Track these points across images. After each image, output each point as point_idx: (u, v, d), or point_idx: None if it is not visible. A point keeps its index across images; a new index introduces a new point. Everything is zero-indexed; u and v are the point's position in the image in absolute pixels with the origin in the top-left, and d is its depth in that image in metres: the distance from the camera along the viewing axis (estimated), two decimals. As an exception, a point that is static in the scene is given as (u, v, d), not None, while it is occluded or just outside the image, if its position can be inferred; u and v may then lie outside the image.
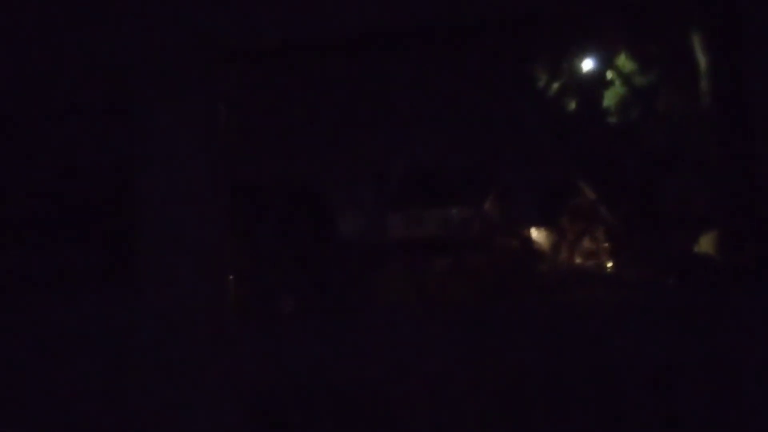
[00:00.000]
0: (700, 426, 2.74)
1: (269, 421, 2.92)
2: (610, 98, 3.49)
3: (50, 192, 3.35)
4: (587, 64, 3.54)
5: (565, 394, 2.81)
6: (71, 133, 3.33)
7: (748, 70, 3.00)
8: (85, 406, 3.01)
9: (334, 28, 3.10)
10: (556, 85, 3.52)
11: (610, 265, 3.29)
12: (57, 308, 3.13)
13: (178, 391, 2.95)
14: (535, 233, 3.42)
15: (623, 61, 3.46)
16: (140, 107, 3.13)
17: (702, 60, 3.25)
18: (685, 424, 2.76)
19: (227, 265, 3.10)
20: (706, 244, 3.28)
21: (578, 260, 3.28)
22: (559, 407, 2.80)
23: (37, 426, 2.94)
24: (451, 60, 3.37)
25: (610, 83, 3.49)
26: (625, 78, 3.47)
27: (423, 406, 2.87)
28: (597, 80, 3.50)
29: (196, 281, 3.02)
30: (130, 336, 3.00)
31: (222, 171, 3.12)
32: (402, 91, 3.36)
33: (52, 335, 3.06)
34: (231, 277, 3.10)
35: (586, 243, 3.26)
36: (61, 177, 3.35)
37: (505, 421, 2.81)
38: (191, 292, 3.00)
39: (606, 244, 3.25)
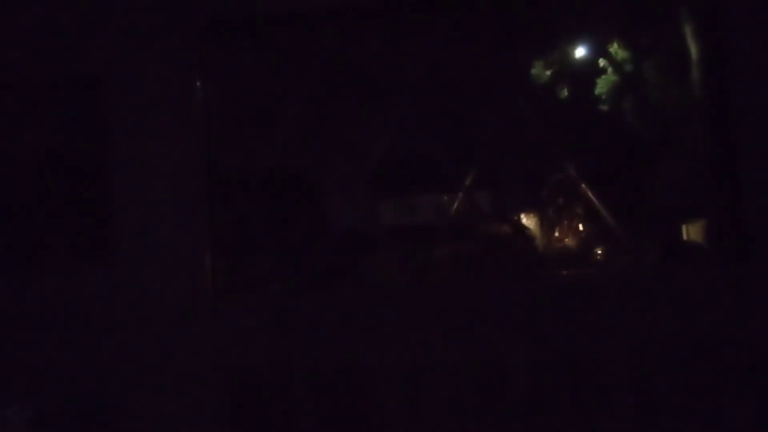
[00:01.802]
0: (678, 407, 2.76)
1: (249, 400, 2.93)
2: (601, 86, 3.49)
3: (26, 168, 3.30)
4: (580, 52, 3.54)
5: (548, 378, 2.82)
6: (46, 108, 3.28)
7: (733, 59, 3.00)
8: (62, 383, 3.00)
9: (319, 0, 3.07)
10: (548, 72, 3.51)
11: (598, 251, 3.28)
12: (35, 285, 3.09)
13: (157, 369, 2.95)
14: (524, 218, 3.41)
15: (616, 48, 3.45)
16: (115, 78, 3.08)
17: (693, 50, 3.24)
18: (663, 405, 2.77)
19: (205, 243, 3.06)
20: (693, 232, 3.29)
21: (563, 242, 3.27)
22: (543, 389, 2.81)
23: (14, 400, 2.94)
24: (442, 42, 3.34)
25: (603, 71, 3.48)
26: (618, 66, 3.46)
27: (406, 386, 2.87)
28: (589, 68, 3.49)
29: (173, 258, 3.00)
30: (107, 313, 2.99)
31: (200, 147, 3.07)
32: (390, 71, 3.34)
33: (30, 312, 3.04)
34: (210, 256, 3.08)
35: (568, 221, 3.25)
36: (36, 153, 3.30)
37: (489, 399, 2.83)
38: (169, 269, 2.99)
39: (586, 224, 3.24)
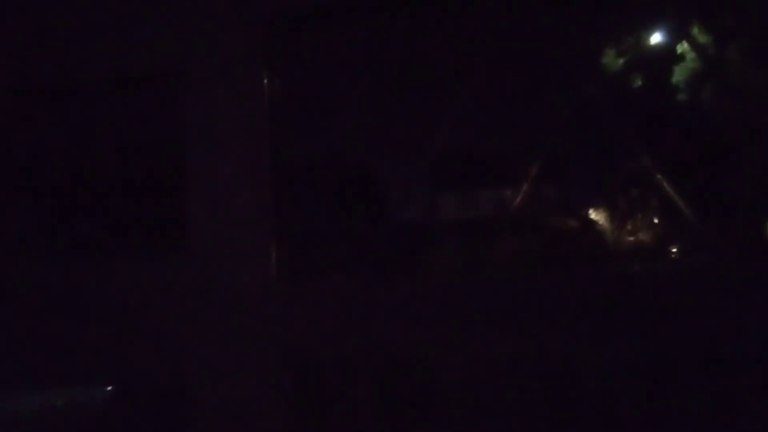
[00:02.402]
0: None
1: (312, 384, 3.00)
2: (680, 74, 3.30)
3: (106, 161, 3.52)
4: (656, 38, 3.36)
5: (618, 376, 2.74)
6: (122, 104, 3.49)
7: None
8: (138, 363, 3.19)
9: None
10: (620, 60, 3.36)
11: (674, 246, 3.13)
12: (115, 271, 3.30)
13: (224, 352, 3.08)
14: (593, 212, 3.30)
15: (696, 33, 3.26)
16: (186, 75, 3.22)
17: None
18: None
19: (271, 233, 3.15)
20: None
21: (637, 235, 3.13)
22: (612, 388, 2.74)
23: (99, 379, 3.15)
24: (508, 30, 3.27)
25: (681, 58, 3.29)
26: (699, 51, 3.26)
27: (464, 378, 2.86)
28: (666, 55, 3.31)
29: (241, 248, 3.12)
30: (179, 298, 3.15)
31: (266, 140, 3.17)
32: (454, 61, 3.29)
33: (108, 296, 3.25)
34: (274, 245, 3.16)
35: (642, 214, 3.11)
36: (115, 147, 3.52)
37: (552, 396, 2.77)
38: (237, 257, 3.11)
39: (664, 219, 3.08)
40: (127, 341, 3.20)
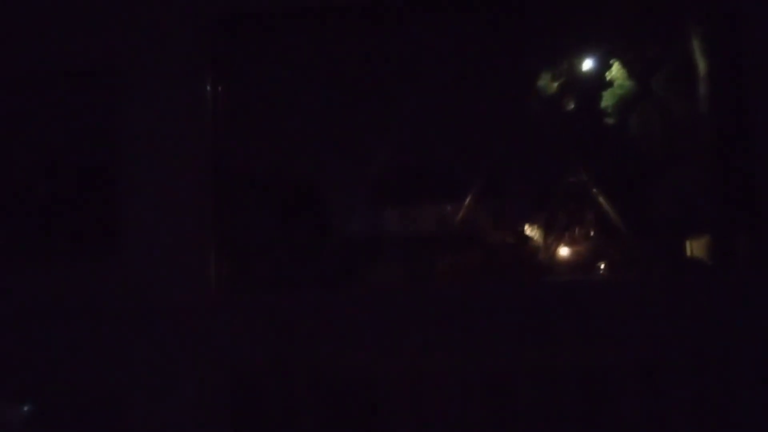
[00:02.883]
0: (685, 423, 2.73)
1: (249, 400, 2.89)
2: (608, 98, 3.50)
3: (34, 161, 3.31)
4: (587, 64, 3.55)
5: (551, 385, 2.79)
6: (54, 100, 3.29)
7: (747, 74, 3.01)
8: (63, 379, 2.97)
9: None
10: (555, 83, 3.53)
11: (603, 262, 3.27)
12: (38, 279, 3.09)
13: (158, 366, 2.92)
14: (530, 228, 3.40)
15: (624, 61, 3.47)
16: (125, 72, 3.08)
17: (701, 63, 3.26)
18: (669, 421, 2.74)
19: (210, 241, 3.05)
20: (698, 248, 3.28)
21: (569, 251, 3.26)
22: (548, 398, 2.79)
23: (15, 396, 2.90)
24: (449, 49, 3.36)
25: (609, 84, 3.49)
26: (626, 78, 3.47)
27: (407, 388, 2.84)
28: (596, 80, 3.51)
29: (178, 256, 2.99)
30: (110, 308, 2.97)
31: (208, 145, 3.07)
32: (397, 79, 3.35)
33: (33, 306, 3.03)
34: (214, 257, 3.06)
35: (577, 232, 3.24)
36: (45, 146, 3.31)
37: (491, 407, 2.79)
38: (173, 266, 2.98)
39: (596, 234, 3.23)
40: (50, 355, 2.96)
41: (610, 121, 3.49)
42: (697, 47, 3.29)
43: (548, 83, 3.52)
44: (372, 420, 2.85)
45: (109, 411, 2.90)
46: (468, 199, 3.34)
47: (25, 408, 2.76)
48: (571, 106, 3.53)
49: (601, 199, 3.24)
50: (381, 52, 3.33)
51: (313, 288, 3.20)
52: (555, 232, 3.26)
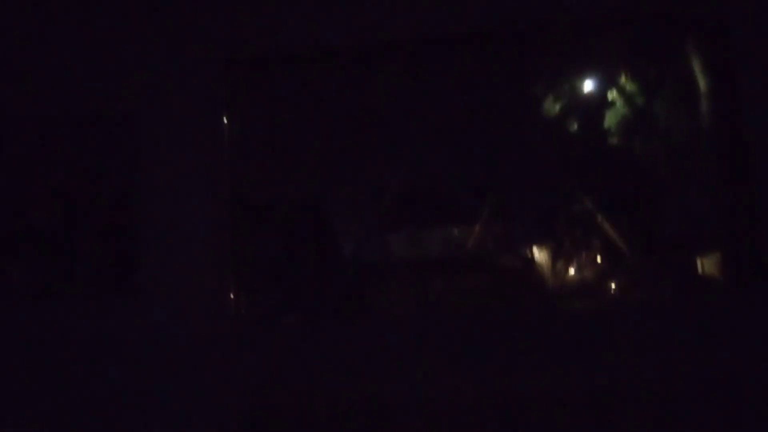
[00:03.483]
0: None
1: (270, 420, 2.94)
2: (611, 119, 3.53)
3: (54, 201, 3.40)
4: (588, 86, 3.59)
5: (563, 407, 2.81)
6: (77, 142, 3.39)
7: (743, 93, 3.05)
8: (87, 411, 3.02)
9: (337, 37, 3.17)
10: (557, 106, 3.56)
11: (613, 284, 3.29)
12: (60, 315, 3.16)
13: (177, 398, 2.97)
14: (537, 252, 3.43)
15: (624, 82, 3.50)
16: (143, 115, 3.19)
17: (701, 82, 3.30)
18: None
19: (229, 274, 3.12)
20: (708, 265, 3.29)
21: (578, 275, 3.29)
22: (559, 422, 2.81)
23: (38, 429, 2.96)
24: (453, 77, 3.42)
25: (611, 104, 3.53)
26: (627, 98, 3.50)
27: (421, 416, 2.87)
28: (598, 101, 3.54)
29: (197, 290, 3.05)
30: (131, 343, 3.03)
31: (225, 181, 3.15)
32: (404, 106, 3.40)
33: (55, 341, 3.09)
34: (232, 286, 3.13)
35: (585, 255, 3.27)
36: (63, 185, 3.40)
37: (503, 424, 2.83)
38: (192, 300, 3.04)
39: (603, 257, 3.25)
40: (69, 386, 3.04)
41: (612, 141, 3.53)
42: (695, 65, 3.33)
43: (551, 106, 3.55)
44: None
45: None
46: (477, 226, 3.37)
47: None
48: (574, 127, 3.57)
49: (606, 225, 3.27)
50: (388, 85, 3.39)
51: (327, 312, 3.25)
52: (562, 258, 3.29)
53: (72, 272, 3.34)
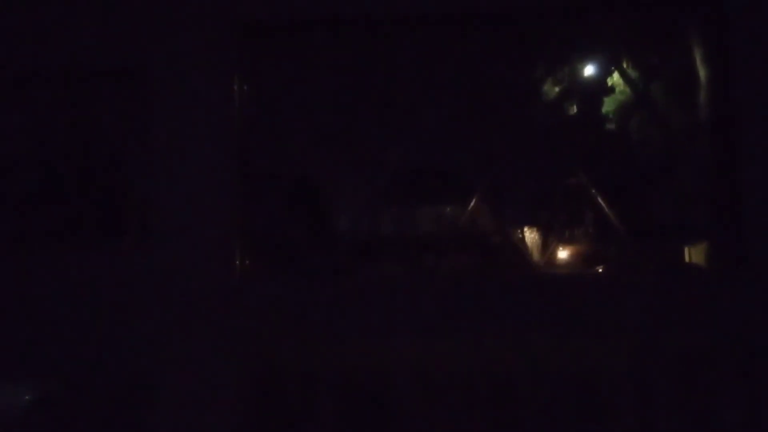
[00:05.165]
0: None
1: (269, 378, 3.02)
2: (609, 105, 3.55)
3: (70, 153, 3.46)
4: (587, 70, 3.60)
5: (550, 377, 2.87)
6: (89, 96, 3.44)
7: (735, 84, 3.10)
8: (94, 354, 3.11)
9: (347, 7, 3.21)
10: (557, 89, 3.57)
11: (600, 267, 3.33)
12: (72, 259, 3.25)
13: (186, 344, 3.05)
14: (528, 232, 3.45)
15: (624, 67, 3.52)
16: (155, 70, 3.21)
17: (702, 72, 3.32)
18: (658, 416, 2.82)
19: (233, 231, 3.19)
20: (696, 253, 3.33)
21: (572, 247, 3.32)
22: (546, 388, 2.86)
23: (44, 371, 3.01)
24: (452, 56, 3.43)
25: (611, 90, 3.54)
26: (626, 84, 3.51)
27: (417, 382, 2.94)
28: (597, 86, 3.56)
29: (205, 247, 3.13)
30: (139, 287, 3.11)
31: (233, 141, 3.20)
32: (401, 85, 3.42)
33: (67, 284, 3.19)
34: (237, 242, 3.20)
35: (579, 226, 3.31)
36: (80, 138, 3.46)
37: (493, 400, 2.87)
38: (201, 255, 3.12)
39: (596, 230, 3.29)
40: (82, 335, 3.12)
41: (610, 126, 3.54)
42: (696, 55, 3.36)
43: (550, 88, 3.56)
44: (384, 413, 2.92)
45: (138, 390, 3.02)
46: (473, 199, 3.39)
47: (27, 397, 2.81)
48: (573, 110, 3.58)
49: (600, 200, 3.30)
50: (391, 61, 3.41)
51: (323, 277, 3.31)
52: (554, 232, 3.32)
53: (83, 219, 3.42)
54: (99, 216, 3.44)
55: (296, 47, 3.42)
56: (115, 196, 3.43)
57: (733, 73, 3.09)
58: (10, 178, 3.50)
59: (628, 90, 3.51)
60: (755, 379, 2.83)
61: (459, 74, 3.42)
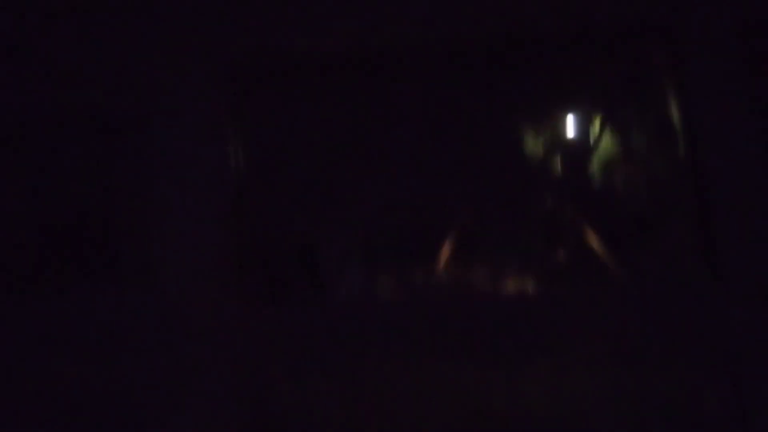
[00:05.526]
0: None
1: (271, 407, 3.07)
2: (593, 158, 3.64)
3: (72, 196, 3.64)
4: (569, 124, 3.73)
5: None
6: (88, 141, 3.64)
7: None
8: (86, 398, 3.19)
9: (331, 43, 3.43)
10: (539, 141, 3.70)
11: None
12: (63, 302, 3.38)
13: (187, 370, 3.15)
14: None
15: (604, 122, 3.64)
16: (151, 115, 3.43)
17: (676, 120, 3.43)
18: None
19: (232, 266, 3.33)
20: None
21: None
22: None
23: (33, 421, 3.10)
24: (442, 109, 3.62)
25: (594, 145, 3.65)
26: (608, 139, 3.62)
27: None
28: (579, 140, 3.67)
29: (204, 281, 3.28)
30: (144, 323, 3.24)
31: (229, 184, 3.39)
32: (387, 130, 3.60)
33: (58, 329, 3.30)
34: (235, 275, 3.33)
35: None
36: (82, 181, 3.65)
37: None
38: (201, 288, 3.27)
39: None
40: (68, 379, 3.22)
41: (595, 178, 3.62)
42: (673, 106, 3.48)
43: (533, 141, 3.69)
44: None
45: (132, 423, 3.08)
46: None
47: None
48: (557, 163, 3.68)
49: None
50: (376, 106, 3.59)
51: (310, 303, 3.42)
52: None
53: (78, 261, 3.55)
54: (108, 257, 3.58)
55: (288, 91, 3.61)
56: (118, 235, 3.59)
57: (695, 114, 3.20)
58: (12, 223, 3.67)
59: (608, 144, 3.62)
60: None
61: (440, 125, 3.59)
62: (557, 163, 3.64)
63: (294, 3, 3.43)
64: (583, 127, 3.67)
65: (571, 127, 3.71)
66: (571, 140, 3.68)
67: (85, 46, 3.50)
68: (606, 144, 3.63)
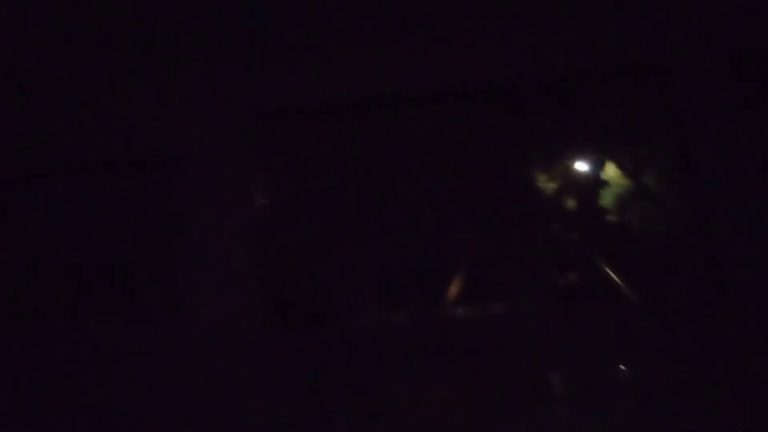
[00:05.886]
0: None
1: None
2: (607, 197, 3.69)
3: (112, 235, 3.83)
4: (582, 166, 3.80)
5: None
6: (128, 183, 3.86)
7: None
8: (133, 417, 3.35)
9: (347, 96, 3.67)
10: (553, 186, 3.78)
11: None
12: (100, 330, 3.58)
13: (219, 393, 3.30)
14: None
15: (617, 162, 3.71)
16: (184, 159, 3.68)
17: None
18: None
19: (258, 296, 3.51)
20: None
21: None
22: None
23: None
24: (457, 154, 3.74)
25: (606, 183, 3.71)
26: (621, 177, 3.68)
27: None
28: (593, 180, 3.74)
29: (232, 309, 3.45)
30: (177, 349, 3.44)
31: (255, 217, 3.60)
32: (399, 173, 3.75)
33: (99, 354, 3.49)
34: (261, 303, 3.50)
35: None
36: (115, 222, 3.84)
37: None
38: (230, 315, 3.44)
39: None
40: (115, 405, 3.38)
41: (610, 217, 3.65)
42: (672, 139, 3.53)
43: (545, 184, 3.78)
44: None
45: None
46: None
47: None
48: (572, 205, 3.73)
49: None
50: (391, 150, 3.76)
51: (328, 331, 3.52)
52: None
53: (122, 292, 3.76)
54: (141, 289, 3.76)
55: (308, 138, 3.82)
56: (151, 272, 3.76)
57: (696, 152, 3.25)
58: (40, 259, 3.84)
59: (622, 182, 3.67)
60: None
61: (456, 169, 3.74)
62: (566, 199, 3.71)
63: (311, 63, 3.74)
64: (590, 163, 3.74)
65: (578, 163, 3.79)
66: (580, 175, 3.76)
67: (130, 99, 3.79)
68: (612, 178, 3.69)
